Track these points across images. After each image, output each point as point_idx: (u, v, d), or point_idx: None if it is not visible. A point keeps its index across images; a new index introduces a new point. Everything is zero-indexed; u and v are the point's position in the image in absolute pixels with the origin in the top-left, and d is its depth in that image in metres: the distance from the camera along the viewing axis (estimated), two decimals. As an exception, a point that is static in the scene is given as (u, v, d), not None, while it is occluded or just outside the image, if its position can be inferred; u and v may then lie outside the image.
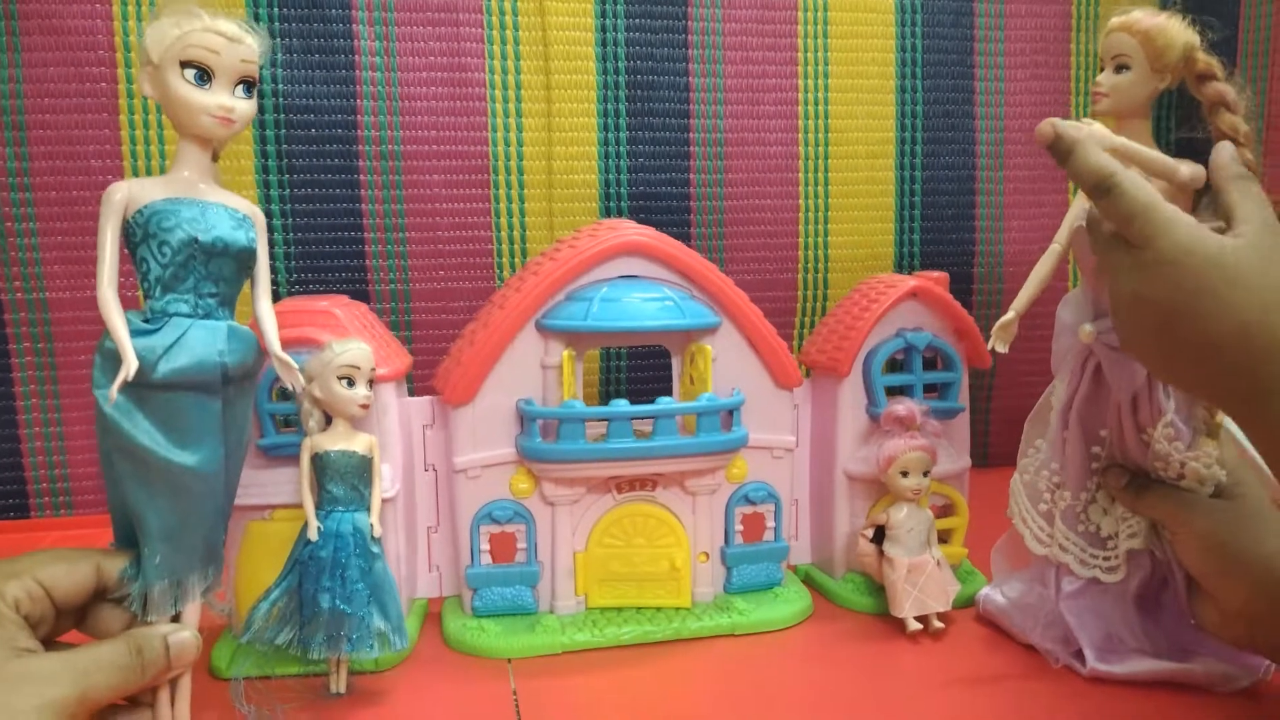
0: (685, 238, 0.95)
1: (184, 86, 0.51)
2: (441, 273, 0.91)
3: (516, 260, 0.92)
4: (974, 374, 0.79)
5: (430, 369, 0.73)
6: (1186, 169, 0.57)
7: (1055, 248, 0.62)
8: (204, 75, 0.51)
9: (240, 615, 0.62)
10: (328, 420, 0.61)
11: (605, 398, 0.94)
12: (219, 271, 0.52)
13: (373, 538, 0.59)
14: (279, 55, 0.84)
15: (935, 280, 0.74)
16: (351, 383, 0.59)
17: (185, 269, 0.50)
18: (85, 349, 0.86)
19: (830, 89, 0.97)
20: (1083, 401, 0.63)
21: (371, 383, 0.61)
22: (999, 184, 1.02)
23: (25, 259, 0.84)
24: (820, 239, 0.99)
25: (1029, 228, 1.03)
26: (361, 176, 0.88)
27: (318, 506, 0.59)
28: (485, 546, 0.68)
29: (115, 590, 0.50)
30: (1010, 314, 0.62)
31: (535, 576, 0.69)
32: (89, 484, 0.88)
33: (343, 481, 0.59)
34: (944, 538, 0.72)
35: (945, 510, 0.74)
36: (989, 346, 0.63)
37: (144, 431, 0.49)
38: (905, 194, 1.00)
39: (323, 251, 0.89)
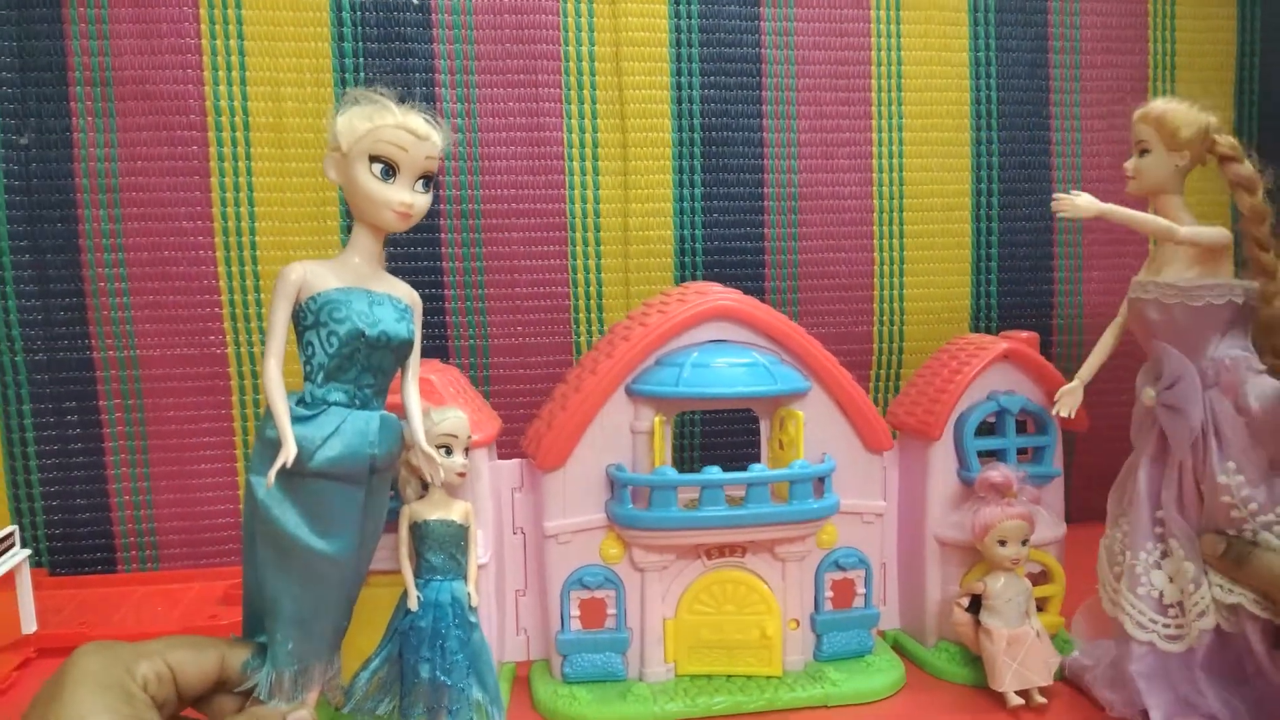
0: (760, 292, 0.95)
1: (370, 180, 0.52)
2: (519, 329, 0.92)
3: (593, 316, 0.93)
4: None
5: (508, 423, 0.73)
6: (1185, 231, 0.61)
7: (1116, 321, 0.67)
8: (389, 170, 0.52)
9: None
10: (424, 488, 0.61)
11: (680, 460, 0.94)
12: (379, 364, 0.53)
13: (470, 607, 0.59)
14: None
15: (1025, 340, 0.73)
16: (449, 451, 0.60)
17: (349, 360, 0.52)
18: (173, 405, 0.88)
19: (905, 141, 0.97)
20: (1147, 464, 0.65)
21: (467, 449, 0.61)
22: (1077, 234, 1.01)
23: (117, 317, 0.86)
24: (896, 292, 0.98)
25: (1109, 279, 1.02)
26: (443, 235, 0.90)
27: (416, 575, 0.59)
28: (575, 612, 0.68)
29: (236, 683, 0.51)
30: (1075, 381, 0.67)
31: (625, 643, 0.68)
32: (175, 538, 0.90)
33: (441, 550, 0.59)
34: (1040, 606, 0.71)
35: (1040, 577, 0.72)
36: (1053, 411, 0.68)
37: (291, 519, 0.50)
38: (981, 246, 0.99)
39: (404, 308, 0.90)
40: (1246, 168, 0.62)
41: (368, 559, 0.55)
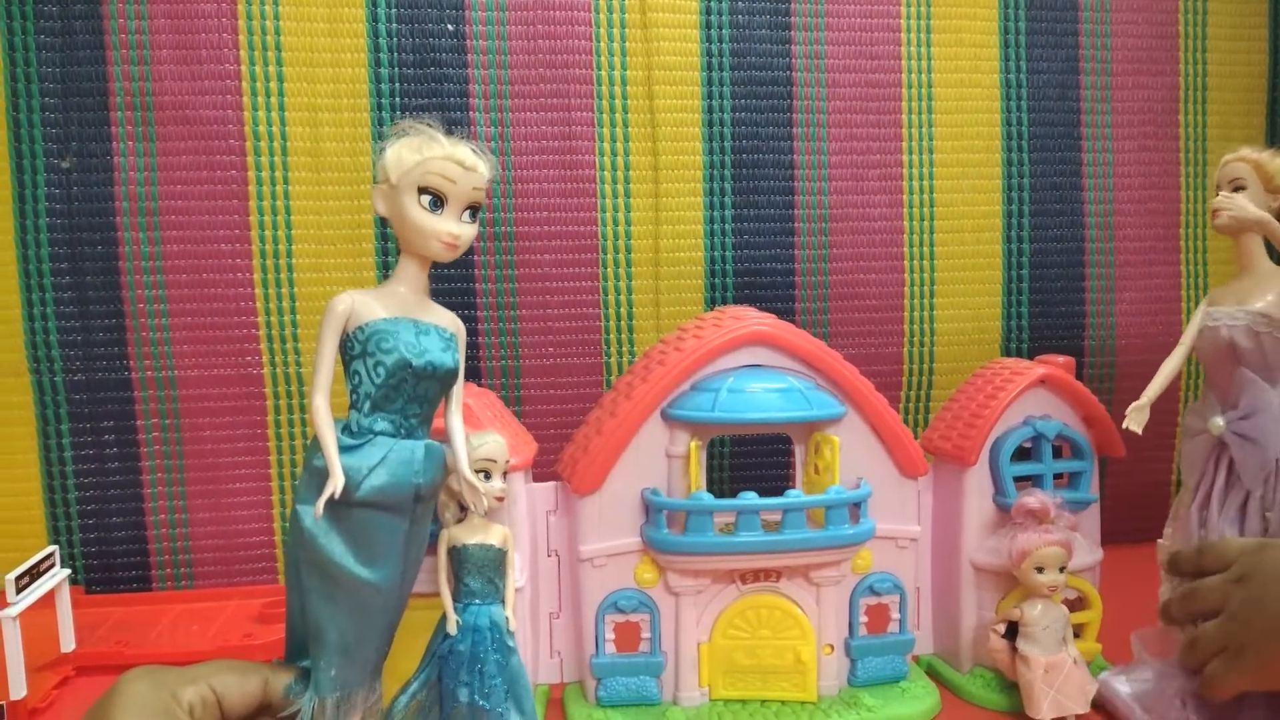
0: (790, 313, 0.95)
1: (418, 211, 0.52)
2: (551, 350, 0.92)
3: (624, 337, 0.93)
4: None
5: (539, 444, 0.73)
6: None
7: (1181, 347, 0.68)
8: (438, 201, 0.52)
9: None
10: (462, 511, 0.62)
11: (711, 484, 0.94)
12: (425, 393, 0.53)
13: (508, 630, 0.60)
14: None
15: (1061, 365, 0.73)
16: (488, 475, 0.60)
17: (396, 390, 0.52)
18: (210, 425, 0.89)
19: (935, 163, 0.97)
20: (1219, 493, 0.65)
21: (505, 473, 0.62)
22: (1109, 256, 1.01)
23: (155, 339, 0.87)
24: (926, 313, 0.98)
25: (1140, 299, 1.01)
26: (475, 256, 0.90)
27: (454, 599, 0.60)
28: (610, 635, 0.68)
29: (279, 708, 0.51)
30: (1143, 400, 0.68)
31: (660, 667, 0.68)
32: (209, 556, 0.91)
33: (480, 574, 0.60)
34: (1077, 632, 0.70)
35: (1077, 603, 0.71)
36: (1124, 425, 0.68)
37: (337, 548, 0.50)
38: (1012, 268, 0.99)
39: (437, 330, 0.90)
40: None
41: (410, 586, 0.55)
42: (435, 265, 0.85)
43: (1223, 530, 0.64)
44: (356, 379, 0.52)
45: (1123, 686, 0.67)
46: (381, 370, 0.52)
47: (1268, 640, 0.55)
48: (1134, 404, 0.68)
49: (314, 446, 0.51)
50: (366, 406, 0.52)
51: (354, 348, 0.52)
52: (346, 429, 0.52)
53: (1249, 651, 0.56)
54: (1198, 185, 1.02)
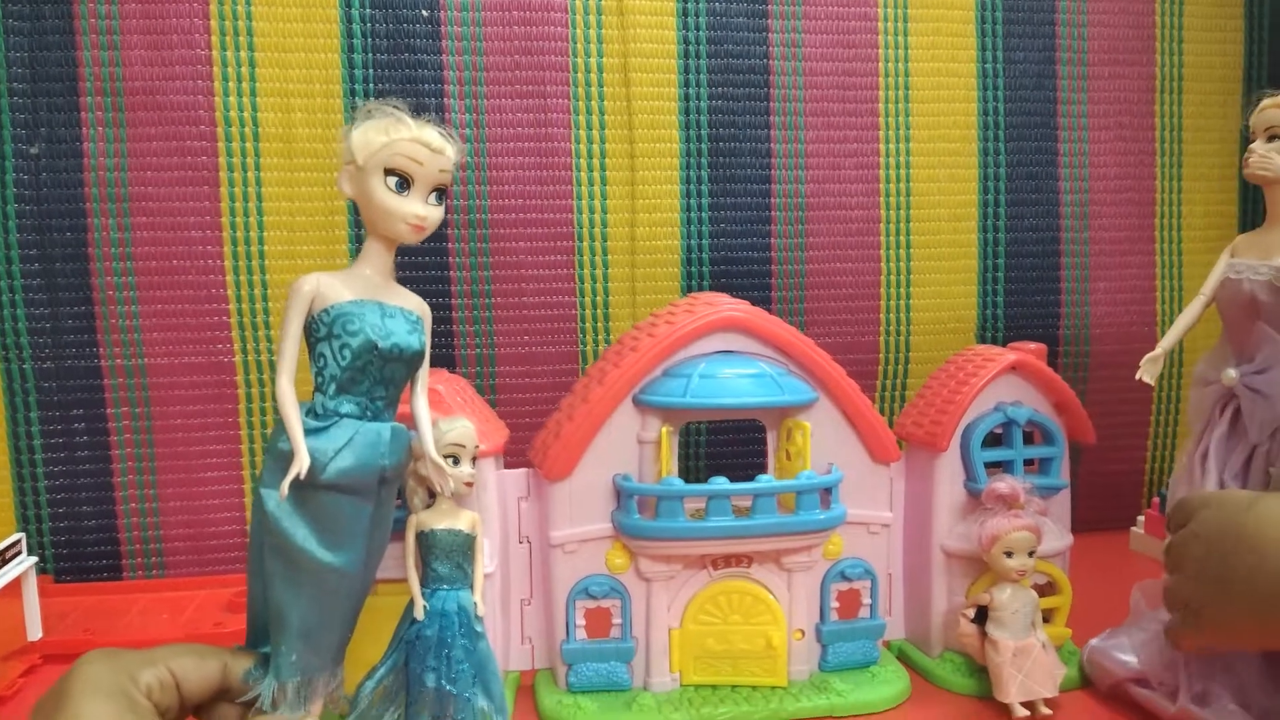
0: (766, 302, 0.95)
1: (385, 193, 0.52)
2: (526, 338, 0.92)
3: (599, 325, 0.93)
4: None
5: (514, 432, 0.73)
6: None
7: (1200, 297, 0.68)
8: (404, 183, 0.52)
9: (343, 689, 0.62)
10: (431, 497, 0.61)
11: (685, 470, 0.94)
12: (391, 375, 0.53)
13: (476, 616, 0.59)
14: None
15: (1033, 352, 0.73)
16: (457, 461, 0.60)
17: (362, 372, 0.52)
18: (180, 414, 0.88)
19: (912, 152, 0.97)
20: (1217, 444, 0.66)
21: (474, 459, 0.61)
22: (1084, 245, 1.01)
23: (125, 325, 0.87)
24: (902, 302, 0.98)
25: (1115, 289, 1.02)
26: (450, 244, 0.90)
27: (422, 584, 0.59)
28: (580, 621, 0.68)
29: (238, 693, 0.51)
30: (1158, 350, 0.68)
31: (630, 653, 0.68)
32: (180, 545, 0.90)
33: (448, 560, 0.59)
34: (1046, 617, 0.70)
35: (1047, 588, 0.72)
36: (1137, 376, 0.68)
37: (301, 532, 0.50)
38: (989, 257, 0.99)
39: (411, 317, 0.90)
40: None
41: (374, 571, 0.55)
42: (408, 252, 0.84)
43: (1225, 483, 0.65)
44: (321, 361, 0.52)
45: (1119, 641, 0.67)
46: (347, 352, 0.51)
47: (1218, 601, 0.55)
48: (1149, 355, 0.68)
49: (278, 430, 0.51)
50: (332, 389, 0.52)
51: (319, 330, 0.52)
52: (311, 412, 0.52)
53: (1206, 611, 0.56)
54: (1173, 175, 1.03)
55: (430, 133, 0.53)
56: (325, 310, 0.52)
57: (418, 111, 0.53)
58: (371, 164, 0.52)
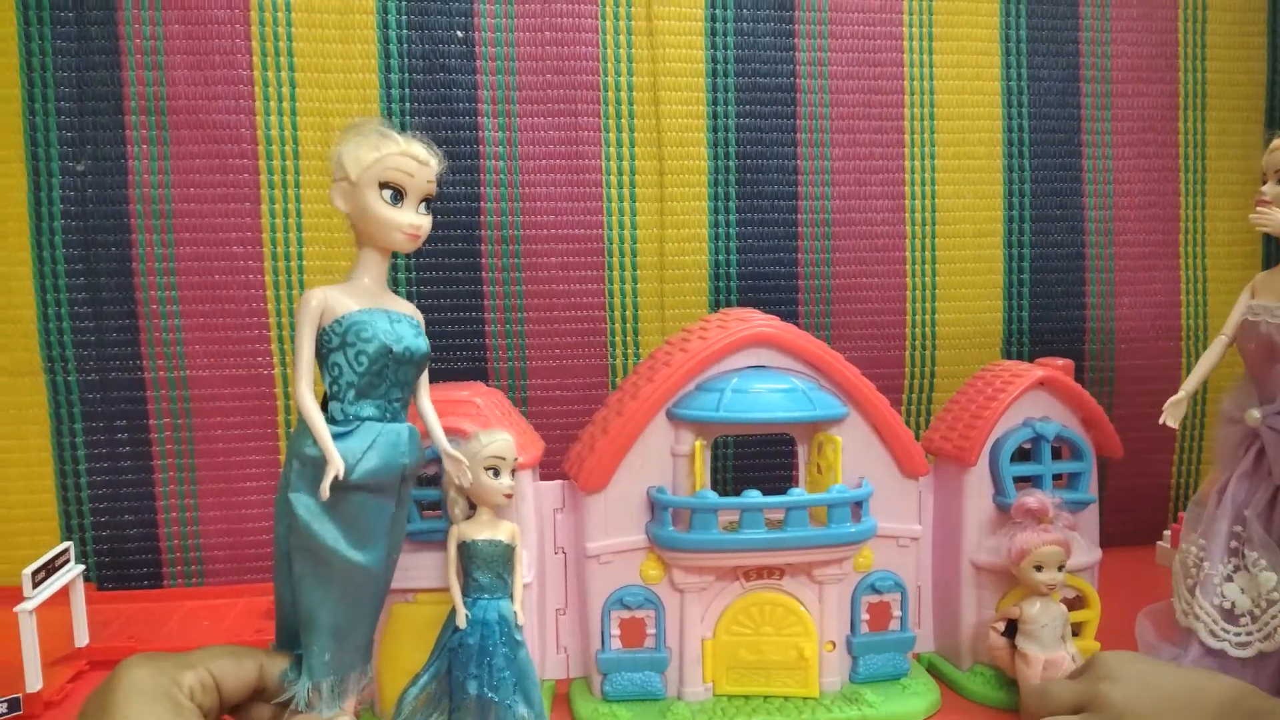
0: (793, 316, 0.96)
1: (381, 205, 0.54)
2: (557, 351, 0.94)
3: (629, 339, 0.95)
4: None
5: (545, 444, 0.74)
6: None
7: (1222, 338, 0.69)
8: (398, 195, 0.54)
9: (383, 697, 0.64)
10: (471, 508, 0.63)
11: (715, 483, 0.95)
12: (405, 377, 0.56)
13: (516, 625, 0.61)
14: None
15: (1061, 368, 0.74)
16: (497, 473, 0.61)
17: (379, 376, 0.54)
18: (221, 424, 0.90)
19: (937, 169, 0.99)
20: (1237, 480, 0.67)
21: (514, 471, 0.63)
22: (1109, 261, 1.02)
23: (168, 339, 0.89)
24: (928, 317, 0.99)
25: (1140, 304, 1.02)
26: (483, 259, 0.92)
27: (464, 594, 0.61)
28: (616, 631, 0.69)
29: (274, 693, 0.53)
30: (1181, 394, 0.69)
31: (664, 663, 0.69)
32: (220, 554, 0.92)
33: (489, 570, 0.61)
34: (1075, 631, 0.71)
35: (1076, 602, 0.72)
36: (1161, 421, 0.69)
37: (329, 533, 0.52)
38: (1014, 272, 1.00)
39: (445, 331, 0.92)
40: None
41: (393, 567, 0.57)
42: (446, 269, 0.86)
43: (1250, 521, 0.65)
44: (336, 370, 0.54)
45: None
46: (364, 359, 0.53)
47: None
48: (1172, 398, 0.69)
49: (300, 436, 0.53)
50: (351, 395, 0.54)
51: (331, 340, 0.54)
52: (332, 419, 0.54)
53: None
54: (1197, 192, 1.04)
55: (417, 146, 0.55)
56: (337, 321, 0.54)
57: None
58: (365, 179, 0.54)
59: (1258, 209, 0.65)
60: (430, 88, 0.90)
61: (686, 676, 0.69)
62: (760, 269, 0.97)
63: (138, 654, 0.51)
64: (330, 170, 0.55)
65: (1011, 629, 0.69)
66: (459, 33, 0.90)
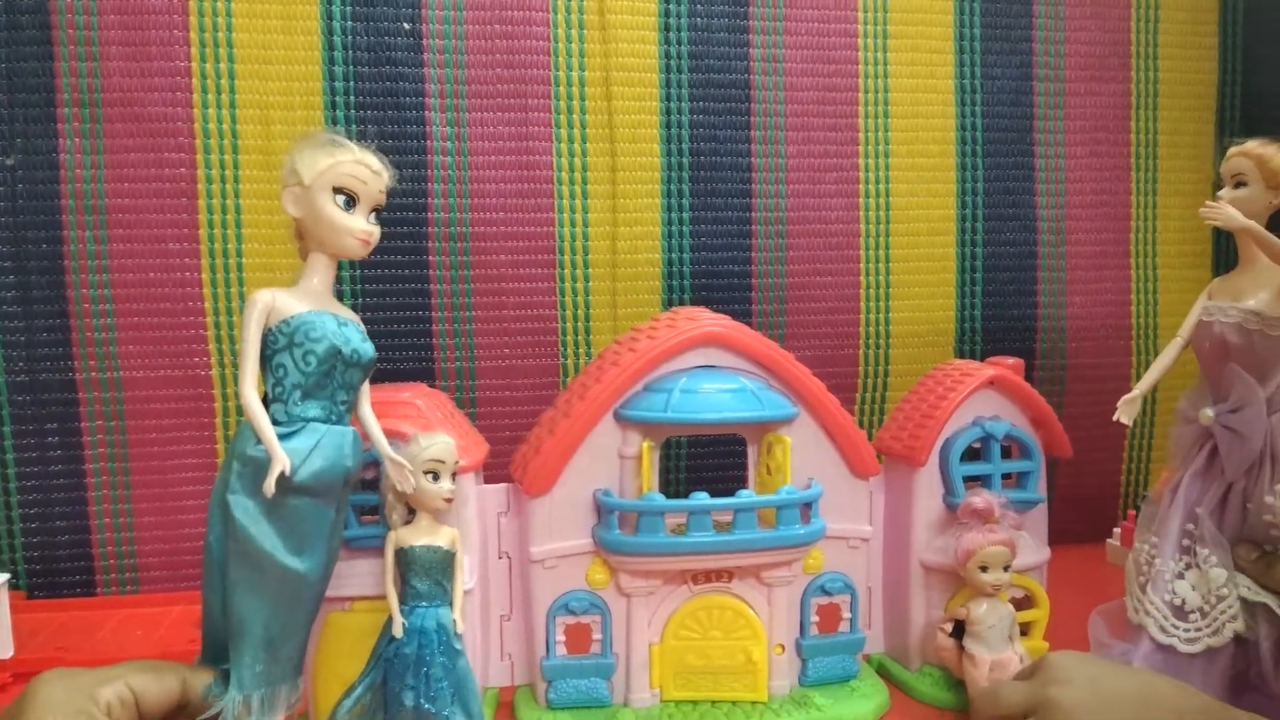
0: (746, 315, 0.95)
1: (334, 210, 0.54)
2: (507, 351, 0.92)
3: (580, 339, 0.93)
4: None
5: (495, 445, 0.72)
6: None
7: (1178, 340, 0.68)
8: (351, 201, 0.55)
9: (317, 709, 0.62)
10: (410, 513, 0.61)
11: (666, 485, 0.94)
12: (351, 380, 0.55)
13: (455, 633, 0.59)
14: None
15: (1011, 367, 0.74)
16: (437, 476, 0.60)
17: (328, 377, 0.54)
18: (156, 428, 0.87)
19: (891, 167, 0.98)
20: (1190, 479, 0.67)
21: (454, 475, 0.61)
22: (1060, 259, 1.02)
23: (100, 339, 0.86)
24: (882, 315, 0.99)
25: (1091, 303, 1.03)
26: (430, 257, 0.90)
27: (401, 601, 0.59)
28: (560, 637, 0.68)
29: (197, 709, 0.51)
30: (1135, 393, 0.68)
31: (610, 669, 0.68)
32: (154, 560, 0.89)
33: (427, 576, 0.59)
34: (1024, 630, 0.71)
35: (1025, 602, 0.72)
36: (1115, 418, 0.68)
37: (267, 537, 0.51)
38: (966, 270, 1.00)
39: (391, 330, 0.90)
40: None
41: (329, 575, 0.56)
42: (391, 266, 0.85)
43: (1202, 519, 0.65)
44: (281, 371, 0.53)
45: None
46: (312, 359, 0.53)
47: None
48: (1126, 396, 0.69)
49: (243, 437, 0.51)
50: (296, 396, 0.53)
51: (278, 341, 0.53)
52: (274, 420, 0.52)
53: None
54: (1148, 190, 1.04)
55: (370, 156, 0.56)
56: (284, 321, 0.53)
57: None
58: (319, 184, 0.54)
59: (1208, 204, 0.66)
60: (376, 80, 0.88)
61: (633, 683, 0.68)
62: (714, 267, 0.96)
63: (53, 669, 0.48)
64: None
65: (960, 630, 0.68)
66: (406, 24, 0.88)
